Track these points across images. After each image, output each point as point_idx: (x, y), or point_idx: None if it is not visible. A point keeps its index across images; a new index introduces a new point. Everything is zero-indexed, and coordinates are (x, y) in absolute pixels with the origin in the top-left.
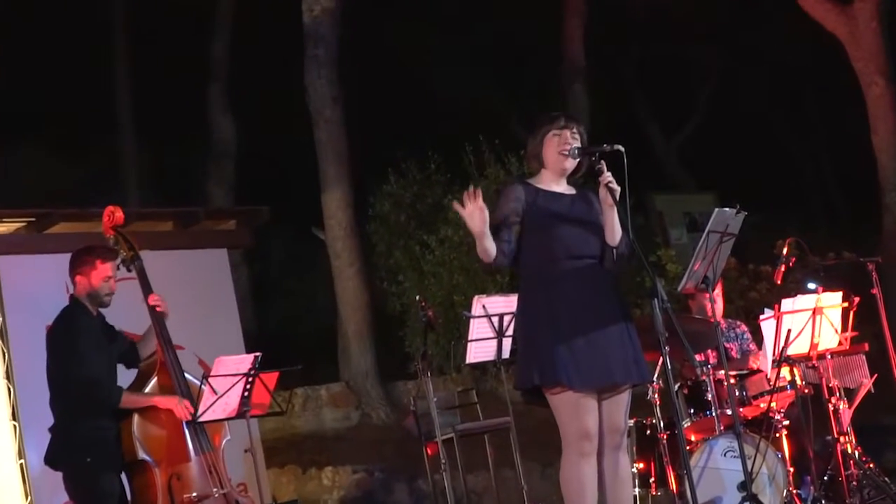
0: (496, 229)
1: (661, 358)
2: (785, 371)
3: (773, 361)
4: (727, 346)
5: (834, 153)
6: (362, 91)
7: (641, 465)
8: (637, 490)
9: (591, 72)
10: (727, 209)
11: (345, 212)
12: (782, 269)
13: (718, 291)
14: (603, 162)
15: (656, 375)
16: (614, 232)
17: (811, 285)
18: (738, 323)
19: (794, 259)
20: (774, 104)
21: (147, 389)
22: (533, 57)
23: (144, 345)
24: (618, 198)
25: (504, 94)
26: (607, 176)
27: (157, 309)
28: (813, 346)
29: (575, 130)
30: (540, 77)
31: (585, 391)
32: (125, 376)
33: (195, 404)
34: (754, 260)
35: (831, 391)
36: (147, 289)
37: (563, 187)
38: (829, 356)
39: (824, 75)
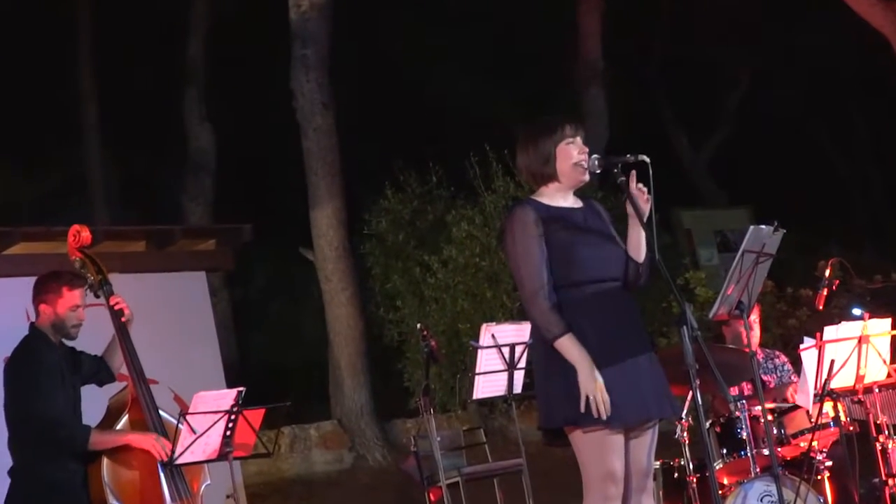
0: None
1: (691, 392)
2: (828, 406)
3: (815, 396)
4: (765, 378)
5: (881, 165)
6: (355, 96)
7: None
8: None
9: (610, 74)
10: (764, 226)
11: (336, 230)
12: (824, 293)
13: (755, 318)
14: (629, 173)
15: (685, 411)
16: (640, 248)
17: (856, 311)
18: (777, 353)
19: (837, 282)
20: (814, 110)
21: (118, 427)
22: (545, 57)
23: (111, 356)
24: (645, 213)
25: (513, 99)
26: (642, 189)
27: (117, 307)
28: (859, 378)
29: (583, 136)
30: (553, 80)
31: (617, 428)
32: (94, 411)
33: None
34: (793, 283)
35: (879, 428)
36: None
37: (570, 201)
38: (876, 390)
39: (870, 78)
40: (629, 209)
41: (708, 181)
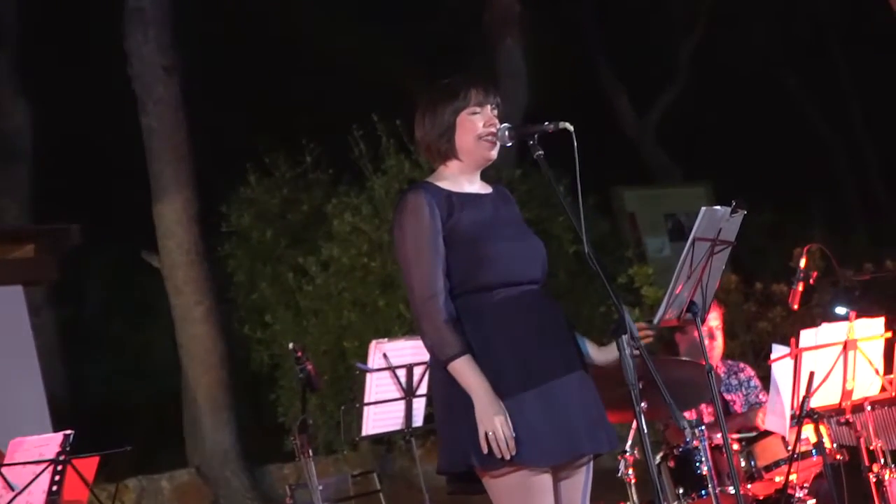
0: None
1: (635, 419)
2: (808, 431)
3: (792, 418)
4: (728, 397)
5: (871, 128)
6: (207, 57)
7: None
8: None
9: (530, 21)
10: (719, 208)
11: (187, 228)
12: (800, 288)
13: (717, 323)
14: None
15: (629, 443)
16: None
17: (840, 310)
18: (743, 366)
19: (815, 274)
20: (786, 62)
21: None
22: (448, 3)
23: None
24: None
25: (406, 55)
26: None
27: None
28: (845, 394)
29: (496, 104)
30: (457, 30)
31: (541, 468)
32: None
33: None
34: (765, 277)
35: (872, 456)
36: None
37: (477, 185)
38: (868, 407)
39: (855, 20)
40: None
41: (657, 152)
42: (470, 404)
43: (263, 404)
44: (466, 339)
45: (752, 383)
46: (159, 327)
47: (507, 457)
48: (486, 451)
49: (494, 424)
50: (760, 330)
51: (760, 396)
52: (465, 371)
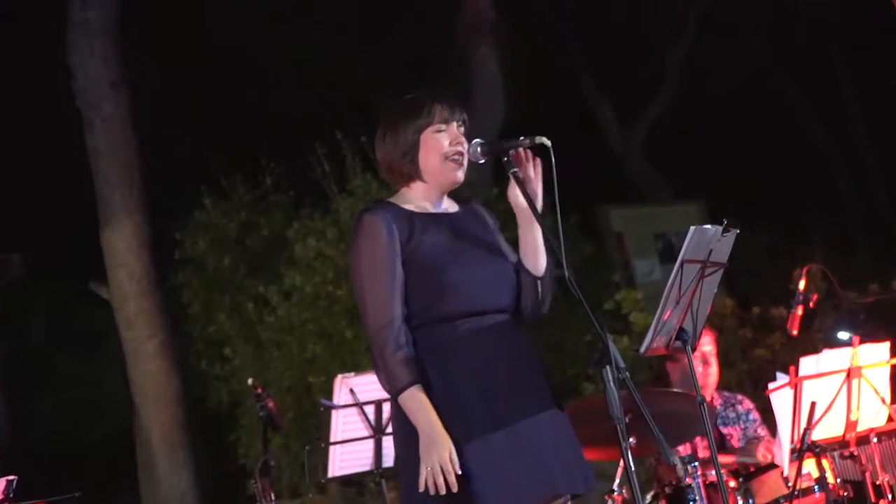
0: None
1: (622, 456)
2: (810, 465)
3: (792, 451)
4: (725, 431)
5: (876, 138)
6: (159, 72)
7: None
8: None
9: (506, 29)
10: (708, 227)
11: (138, 256)
12: (799, 311)
13: (710, 348)
14: (518, 166)
15: (617, 482)
16: (538, 254)
17: (843, 334)
18: (741, 398)
19: (815, 296)
20: (785, 69)
21: None
22: (427, 10)
23: None
24: (539, 208)
25: (374, 67)
26: (530, 174)
27: None
28: (850, 425)
29: (462, 121)
30: (428, 41)
31: None
32: None
33: None
34: (762, 301)
35: (880, 491)
36: None
37: (443, 206)
38: (874, 439)
39: (857, 26)
40: (516, 200)
41: (645, 168)
42: None
43: (223, 445)
44: (425, 375)
45: (751, 416)
46: (110, 363)
47: (443, 492)
48: (421, 489)
49: (433, 460)
50: (758, 357)
51: (759, 430)
52: (412, 404)
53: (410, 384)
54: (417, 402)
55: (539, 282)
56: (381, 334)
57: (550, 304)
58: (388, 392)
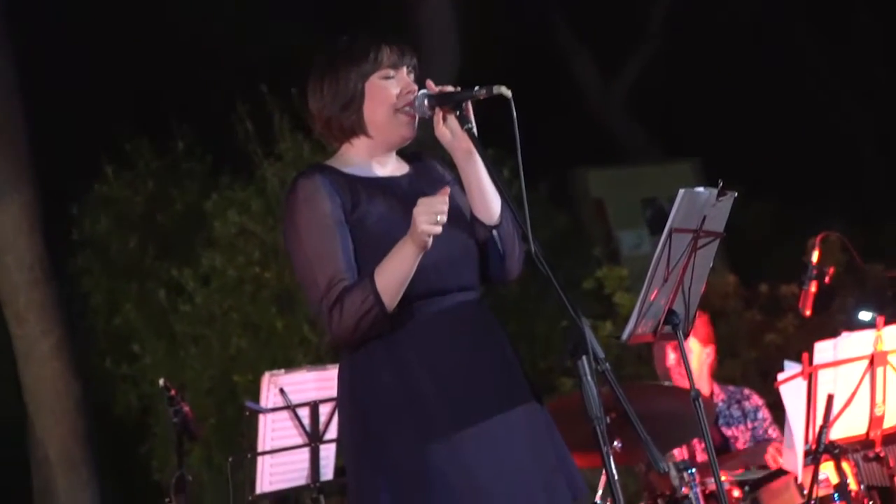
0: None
1: (603, 462)
2: (828, 469)
3: (807, 454)
4: (729, 433)
5: None
6: (46, 20)
7: None
8: None
9: None
10: (701, 189)
11: (28, 238)
12: (812, 288)
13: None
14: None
15: (600, 493)
16: (485, 196)
17: (865, 315)
18: (749, 393)
19: (831, 270)
20: (794, 11)
21: None
22: None
23: None
24: (478, 153)
25: (304, 10)
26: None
27: None
28: (874, 421)
29: (413, 66)
30: None
31: None
32: None
33: None
34: (771, 277)
35: None
36: None
37: (392, 166)
38: None
39: None
40: (446, 137)
41: (628, 124)
42: (386, 449)
43: (133, 458)
44: (376, 366)
45: (760, 414)
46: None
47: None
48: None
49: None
50: (768, 344)
51: (770, 431)
52: (385, 266)
53: (369, 278)
54: (385, 262)
55: (497, 231)
56: (331, 293)
57: (519, 286)
58: (363, 315)
